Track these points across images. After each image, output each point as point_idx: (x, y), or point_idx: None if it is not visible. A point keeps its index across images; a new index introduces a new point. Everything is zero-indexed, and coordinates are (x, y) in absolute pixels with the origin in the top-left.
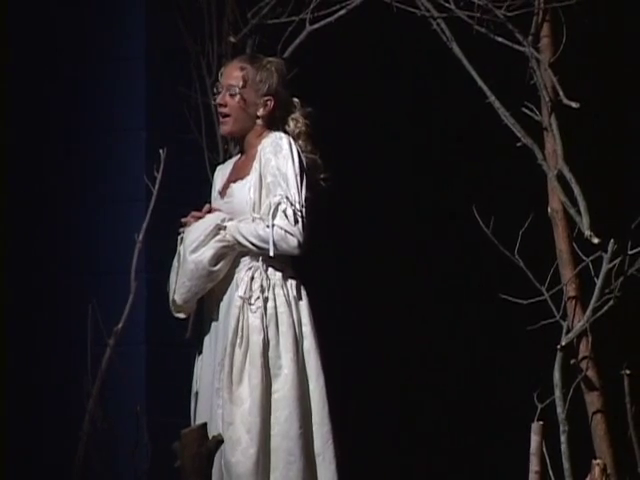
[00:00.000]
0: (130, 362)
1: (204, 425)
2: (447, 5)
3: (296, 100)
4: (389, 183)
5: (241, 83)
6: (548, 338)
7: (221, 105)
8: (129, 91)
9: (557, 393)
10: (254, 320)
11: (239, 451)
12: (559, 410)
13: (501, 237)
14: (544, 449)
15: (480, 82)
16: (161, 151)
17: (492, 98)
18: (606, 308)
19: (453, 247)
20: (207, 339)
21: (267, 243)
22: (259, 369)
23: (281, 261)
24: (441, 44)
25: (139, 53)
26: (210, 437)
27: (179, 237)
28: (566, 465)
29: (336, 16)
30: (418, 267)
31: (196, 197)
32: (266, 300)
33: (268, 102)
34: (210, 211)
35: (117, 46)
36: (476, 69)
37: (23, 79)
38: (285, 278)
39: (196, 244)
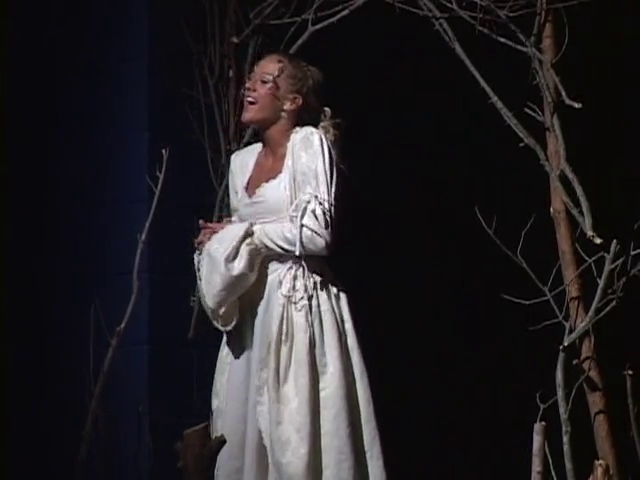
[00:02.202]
0: (132, 362)
1: (207, 426)
2: (449, 5)
3: (327, 109)
4: (389, 183)
5: (276, 73)
6: (550, 338)
7: (250, 90)
8: (131, 91)
9: (559, 393)
10: (299, 318)
11: (289, 451)
12: (561, 410)
13: (503, 237)
14: (546, 449)
15: (482, 82)
16: (163, 151)
17: (494, 98)
18: (608, 308)
19: (455, 247)
20: (237, 342)
21: (294, 245)
22: (306, 367)
23: (320, 260)
24: (443, 44)
25: (141, 53)
26: (247, 436)
27: (195, 257)
28: (568, 466)
29: (338, 16)
30: (419, 267)
31: (198, 197)
32: (310, 298)
33: (296, 99)
34: (206, 226)
35: (119, 46)
36: (478, 69)
37: (25, 79)
38: (326, 276)
39: (229, 251)
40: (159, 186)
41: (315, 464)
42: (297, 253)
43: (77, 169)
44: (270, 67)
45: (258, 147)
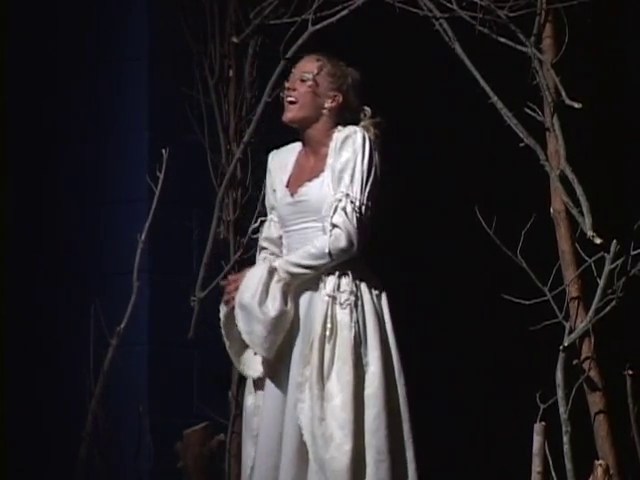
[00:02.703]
0: (132, 362)
1: (206, 426)
2: (449, 5)
3: (367, 108)
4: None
5: (316, 71)
6: (550, 339)
7: (289, 89)
8: (132, 91)
9: (559, 393)
10: (343, 316)
11: (333, 447)
12: (561, 410)
13: (503, 237)
14: (547, 450)
15: (483, 83)
16: (163, 151)
17: (495, 99)
18: (608, 309)
19: (455, 247)
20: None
21: (322, 257)
22: (350, 365)
23: (363, 260)
24: (444, 44)
25: (142, 53)
26: (285, 433)
27: (221, 310)
28: (569, 466)
29: (338, 16)
30: (419, 267)
31: (198, 197)
32: (355, 297)
33: (336, 97)
34: (228, 282)
35: (120, 46)
36: (479, 70)
37: (25, 79)
38: (368, 276)
39: (259, 295)
40: (159, 186)
41: (359, 460)
42: (325, 250)
43: (77, 169)
44: (309, 66)
45: (297, 147)
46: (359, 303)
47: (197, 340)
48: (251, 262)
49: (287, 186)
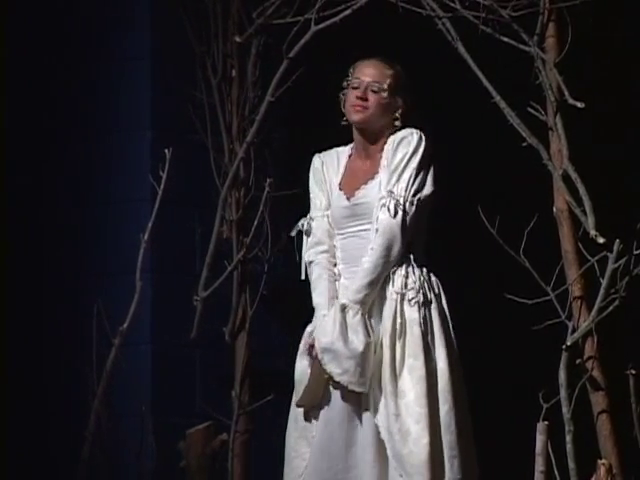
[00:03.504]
0: (135, 362)
1: (209, 425)
2: (452, 5)
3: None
4: None
5: (389, 81)
6: (553, 338)
7: (361, 99)
8: (134, 91)
9: (562, 393)
10: (412, 313)
11: (410, 442)
12: (564, 410)
13: (506, 237)
14: (549, 449)
15: (485, 82)
16: (166, 151)
17: (497, 98)
18: (611, 308)
19: (457, 247)
20: None
21: (377, 264)
22: (422, 360)
23: (425, 259)
24: (446, 44)
25: (144, 53)
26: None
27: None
28: (571, 465)
29: (341, 16)
30: None
31: (201, 197)
32: (422, 295)
33: (404, 106)
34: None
35: (122, 46)
36: (481, 69)
37: (27, 79)
38: (429, 274)
39: (339, 334)
40: (162, 186)
41: (437, 453)
42: (375, 255)
43: (80, 168)
44: (380, 76)
45: (345, 150)
46: (426, 301)
47: (200, 340)
48: (253, 262)
49: (340, 189)
